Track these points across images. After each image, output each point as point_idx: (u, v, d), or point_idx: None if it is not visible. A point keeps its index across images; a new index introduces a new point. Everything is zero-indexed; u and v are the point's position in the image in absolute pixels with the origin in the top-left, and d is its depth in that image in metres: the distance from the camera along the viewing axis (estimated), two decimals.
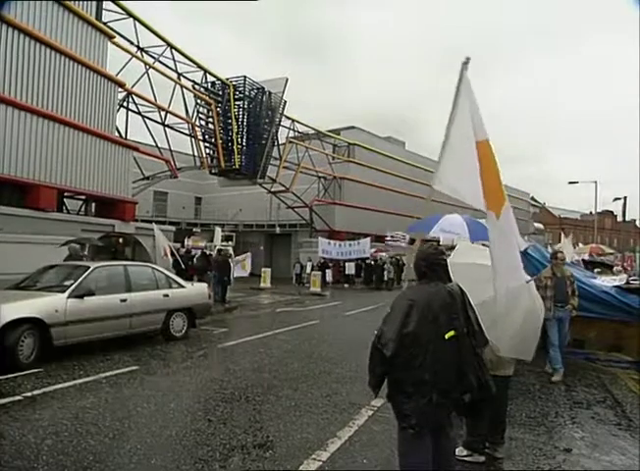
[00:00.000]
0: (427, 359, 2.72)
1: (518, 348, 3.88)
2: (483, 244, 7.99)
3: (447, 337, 2.77)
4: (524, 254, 7.95)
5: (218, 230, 21.12)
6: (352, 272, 26.63)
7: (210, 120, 23.74)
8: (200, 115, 23.43)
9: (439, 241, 8.98)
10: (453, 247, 6.45)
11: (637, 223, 71.64)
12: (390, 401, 2.94)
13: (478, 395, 2.84)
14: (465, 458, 4.04)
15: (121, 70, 17.98)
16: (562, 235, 21.74)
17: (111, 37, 16.42)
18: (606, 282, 9.02)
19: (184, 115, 22.00)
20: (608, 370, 7.24)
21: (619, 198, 39.75)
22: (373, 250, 26.18)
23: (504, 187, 3.48)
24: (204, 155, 23.87)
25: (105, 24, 16.20)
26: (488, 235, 8.28)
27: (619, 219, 62.94)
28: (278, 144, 27.83)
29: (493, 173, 3.41)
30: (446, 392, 2.76)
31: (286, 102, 26.87)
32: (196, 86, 22.82)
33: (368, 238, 25.22)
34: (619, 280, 9.52)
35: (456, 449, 3.70)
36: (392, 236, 25.87)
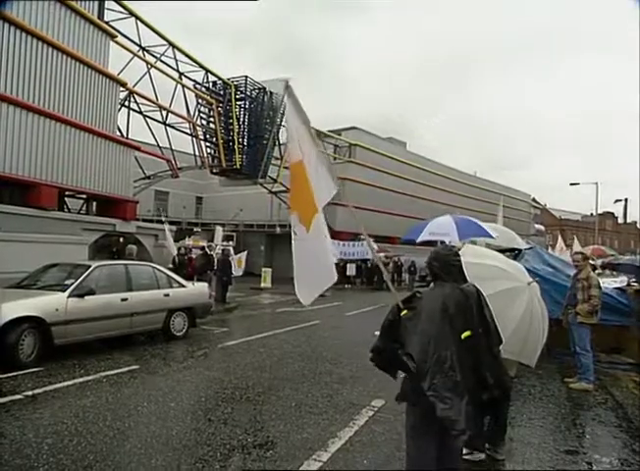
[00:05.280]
0: (454, 361, 2.70)
1: (518, 351, 3.85)
2: (472, 241, 8.00)
3: (463, 337, 2.76)
4: (519, 259, 7.98)
5: (219, 229, 21.09)
6: (353, 272, 26.63)
7: (211, 119, 23.75)
8: (202, 114, 23.43)
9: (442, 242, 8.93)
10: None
11: (638, 224, 71.61)
12: (412, 405, 2.91)
13: (496, 394, 2.83)
14: (465, 456, 4.04)
15: (122, 69, 18.01)
16: (560, 237, 21.57)
17: (113, 36, 16.43)
18: (606, 284, 9.02)
19: (185, 114, 22.03)
20: (609, 372, 7.22)
21: (620, 200, 39.83)
22: (376, 250, 26.19)
23: (316, 200, 3.56)
24: (205, 155, 23.88)
25: (107, 23, 16.22)
26: (476, 231, 8.18)
27: (620, 220, 62.98)
28: (279, 144, 27.81)
29: (306, 190, 3.54)
30: (471, 392, 2.73)
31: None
32: (198, 86, 22.84)
33: (372, 239, 25.21)
34: (620, 282, 9.52)
35: None
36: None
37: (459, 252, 4.58)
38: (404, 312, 2.95)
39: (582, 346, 6.39)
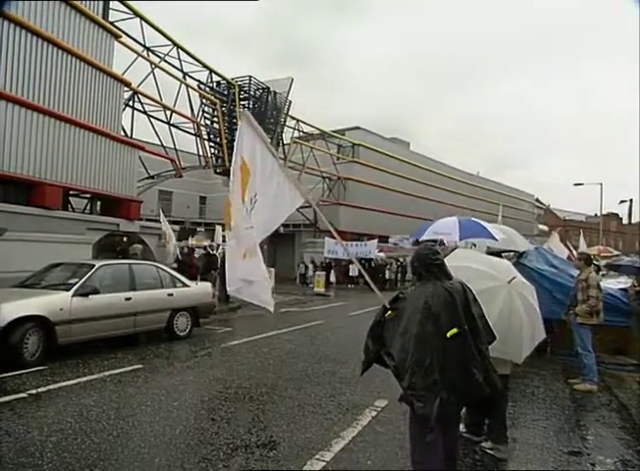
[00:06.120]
0: (434, 359, 2.74)
1: (500, 348, 3.89)
2: (473, 244, 8.00)
3: (449, 335, 2.78)
4: (519, 263, 7.98)
5: (219, 228, 21.14)
6: (356, 273, 26.60)
7: (215, 119, 23.78)
8: (205, 114, 23.47)
9: (438, 242, 8.93)
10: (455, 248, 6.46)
11: None
12: (407, 404, 2.96)
13: (487, 392, 2.86)
14: (464, 434, 4.34)
15: (127, 69, 18.01)
16: (552, 233, 21.18)
17: (117, 36, 16.45)
18: (611, 284, 9.00)
19: (189, 114, 22.04)
20: (612, 373, 7.19)
21: (625, 201, 39.68)
22: (377, 251, 26.19)
23: (232, 220, 3.94)
24: (209, 155, 23.89)
25: (112, 23, 16.24)
26: (479, 232, 8.27)
27: (625, 221, 62.68)
28: (283, 144, 27.84)
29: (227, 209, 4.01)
30: (454, 390, 2.78)
31: (291, 102, 26.92)
32: (202, 86, 22.87)
33: (375, 240, 25.18)
34: (625, 283, 9.49)
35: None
36: (394, 244, 26.52)
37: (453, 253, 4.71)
38: (389, 313, 3.03)
39: (583, 347, 6.40)
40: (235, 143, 3.99)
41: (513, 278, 4.06)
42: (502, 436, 4.23)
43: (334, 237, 23.76)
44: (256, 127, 3.81)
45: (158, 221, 17.41)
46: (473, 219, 8.90)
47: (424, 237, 8.65)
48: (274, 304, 4.14)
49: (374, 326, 3.12)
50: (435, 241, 8.34)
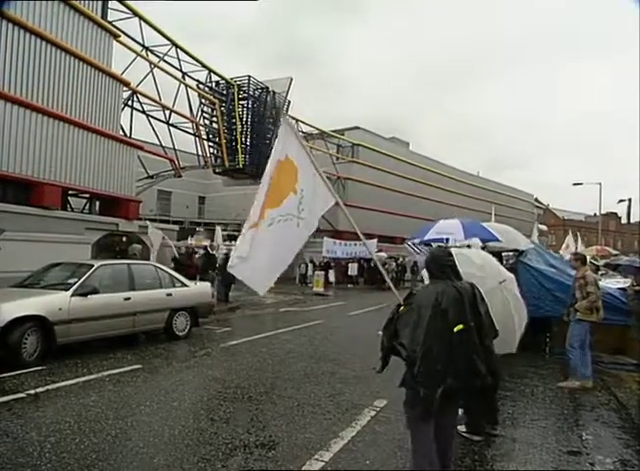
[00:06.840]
0: (440, 351, 2.98)
1: None
2: (468, 245, 8.06)
3: (455, 329, 3.02)
4: (520, 262, 8.00)
5: (218, 229, 21.15)
6: (355, 272, 26.63)
7: (214, 119, 23.78)
8: (205, 114, 23.46)
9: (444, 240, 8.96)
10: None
11: None
12: (408, 390, 3.17)
13: (488, 381, 3.13)
14: (464, 434, 4.44)
15: (126, 69, 18.01)
16: (536, 225, 21.04)
17: (116, 36, 16.45)
18: (610, 284, 9.00)
19: (188, 114, 22.04)
20: (611, 372, 7.19)
21: (624, 200, 39.73)
22: (376, 250, 26.19)
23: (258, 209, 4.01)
24: (208, 154, 23.89)
25: (110, 22, 16.23)
26: (481, 232, 8.33)
27: (624, 221, 62.76)
28: None
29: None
30: (456, 380, 3.00)
31: (290, 102, 26.90)
32: (201, 86, 22.86)
33: (374, 240, 25.20)
34: (624, 282, 9.49)
35: (459, 426, 4.25)
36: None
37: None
38: (402, 308, 3.34)
39: (571, 344, 6.43)
40: (276, 141, 4.21)
41: (504, 280, 4.21)
42: (494, 418, 4.64)
43: (331, 238, 23.65)
44: (296, 131, 4.14)
45: (157, 220, 17.38)
46: (471, 220, 8.98)
47: (427, 237, 8.71)
48: (266, 290, 4.46)
49: (388, 323, 3.38)
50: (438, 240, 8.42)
